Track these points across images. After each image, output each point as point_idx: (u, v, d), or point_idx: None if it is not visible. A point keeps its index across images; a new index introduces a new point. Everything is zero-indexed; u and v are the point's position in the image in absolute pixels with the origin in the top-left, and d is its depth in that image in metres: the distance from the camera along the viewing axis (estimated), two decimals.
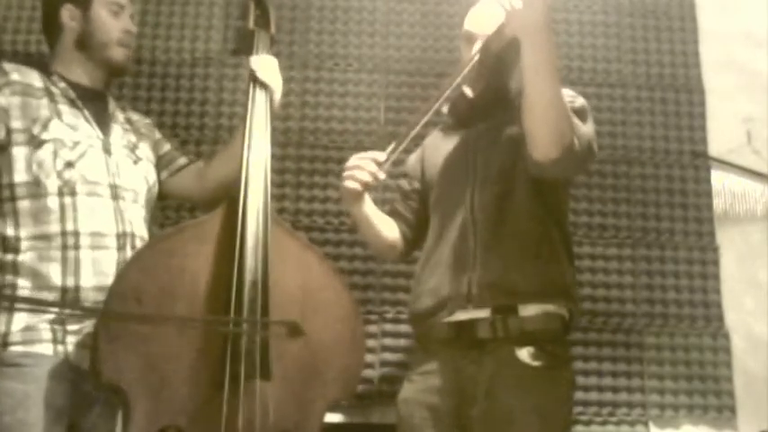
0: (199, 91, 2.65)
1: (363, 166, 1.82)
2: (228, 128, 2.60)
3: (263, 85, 1.95)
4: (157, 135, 2.10)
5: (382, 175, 1.84)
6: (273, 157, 2.51)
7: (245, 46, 2.07)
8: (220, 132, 2.60)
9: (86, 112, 1.88)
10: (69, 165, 1.79)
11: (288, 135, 2.61)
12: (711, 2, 2.82)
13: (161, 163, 2.05)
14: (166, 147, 2.08)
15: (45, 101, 1.83)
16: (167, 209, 2.45)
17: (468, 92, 1.82)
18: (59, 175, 1.77)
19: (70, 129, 1.83)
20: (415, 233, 2.01)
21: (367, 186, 1.84)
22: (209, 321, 1.69)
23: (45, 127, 1.79)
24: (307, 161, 2.60)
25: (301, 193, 2.57)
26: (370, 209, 1.94)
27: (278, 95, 2.00)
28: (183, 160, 2.08)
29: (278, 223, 1.84)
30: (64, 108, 1.85)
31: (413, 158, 2.08)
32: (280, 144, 2.57)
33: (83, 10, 1.92)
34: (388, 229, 1.99)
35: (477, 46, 1.83)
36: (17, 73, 1.84)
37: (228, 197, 1.81)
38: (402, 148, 1.84)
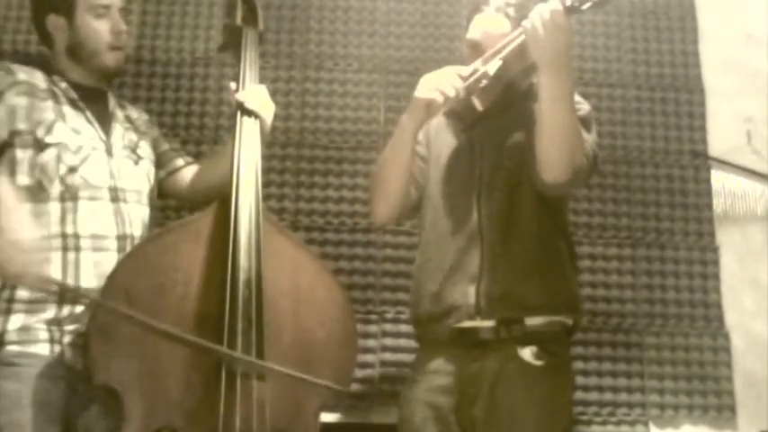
0: (199, 91, 2.65)
1: (449, 79, 1.74)
2: (228, 128, 2.59)
3: (252, 114, 1.89)
4: (156, 132, 2.08)
5: (464, 92, 1.75)
6: (274, 157, 2.56)
7: (232, 43, 2.04)
8: (220, 132, 2.60)
9: (88, 113, 1.86)
10: (72, 170, 1.78)
11: (288, 135, 2.61)
12: (711, 2, 2.82)
13: (159, 161, 2.03)
14: (165, 146, 2.06)
15: (50, 102, 1.81)
16: (167, 209, 2.44)
17: (478, 105, 1.76)
18: (62, 180, 1.76)
19: (74, 132, 1.81)
20: (417, 200, 1.95)
21: (447, 100, 1.75)
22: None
23: (49, 130, 1.78)
24: (306, 161, 2.60)
25: (301, 193, 2.57)
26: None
27: (268, 122, 1.93)
28: (180, 161, 2.05)
29: (269, 221, 1.82)
30: (67, 110, 1.83)
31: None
32: (280, 144, 2.58)
33: (67, 19, 1.86)
34: (408, 181, 1.90)
35: (492, 58, 1.78)
36: (23, 73, 1.82)
37: (220, 197, 1.79)
38: (483, 71, 1.75)
